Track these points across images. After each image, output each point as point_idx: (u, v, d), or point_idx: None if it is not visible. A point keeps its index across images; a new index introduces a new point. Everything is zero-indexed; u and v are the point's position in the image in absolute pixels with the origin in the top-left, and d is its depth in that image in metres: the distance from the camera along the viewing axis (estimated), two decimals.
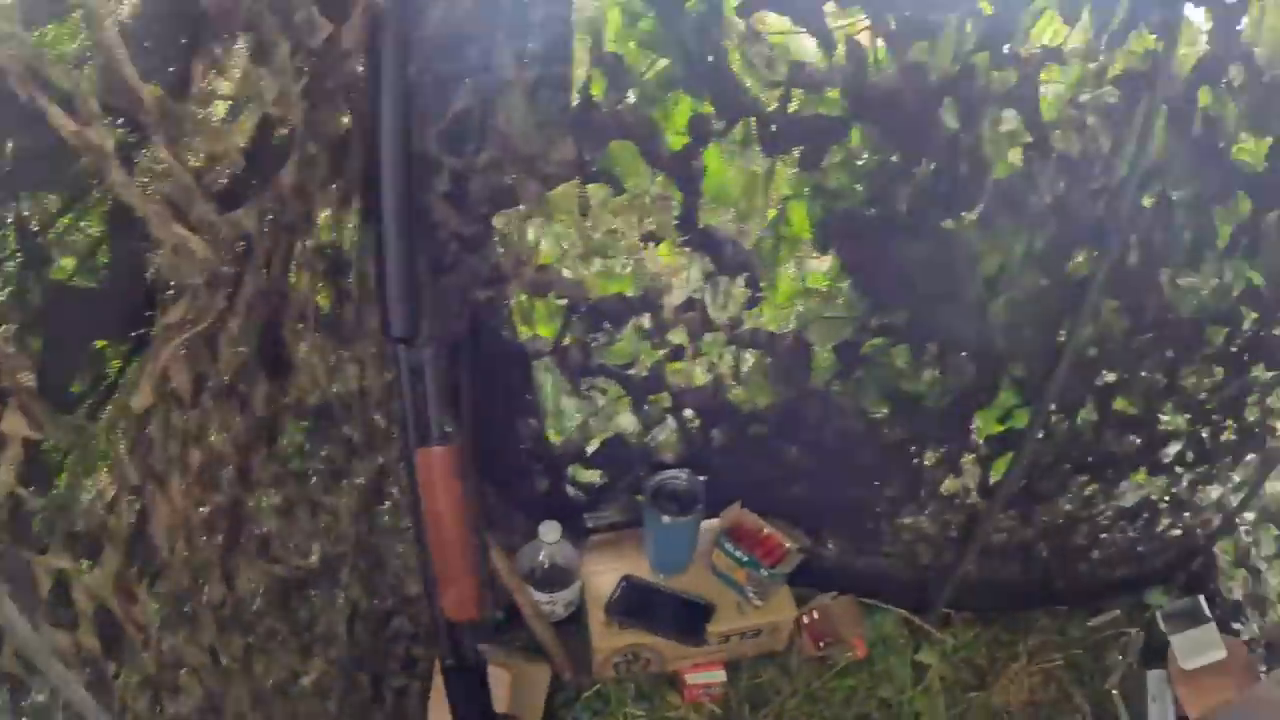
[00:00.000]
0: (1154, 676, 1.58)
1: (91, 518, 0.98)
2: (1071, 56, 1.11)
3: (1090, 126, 1.14)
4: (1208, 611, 1.59)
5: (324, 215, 1.09)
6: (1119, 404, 1.38)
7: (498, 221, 1.15)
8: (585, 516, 1.51)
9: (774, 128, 1.08)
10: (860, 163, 1.10)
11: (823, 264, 1.19)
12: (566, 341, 1.26)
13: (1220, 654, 1.58)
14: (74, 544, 0.98)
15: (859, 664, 1.55)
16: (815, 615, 1.55)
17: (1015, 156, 1.12)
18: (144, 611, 1.05)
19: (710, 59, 1.04)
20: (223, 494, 1.08)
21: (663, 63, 1.07)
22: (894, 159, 1.09)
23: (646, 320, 1.24)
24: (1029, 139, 1.10)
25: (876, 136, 1.08)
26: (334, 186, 1.08)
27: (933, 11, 1.02)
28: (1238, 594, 1.72)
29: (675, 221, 1.15)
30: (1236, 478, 1.62)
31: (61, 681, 0.97)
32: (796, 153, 1.09)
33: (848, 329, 1.21)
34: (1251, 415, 1.48)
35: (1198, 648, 1.57)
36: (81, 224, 0.87)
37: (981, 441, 1.38)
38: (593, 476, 1.44)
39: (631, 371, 1.28)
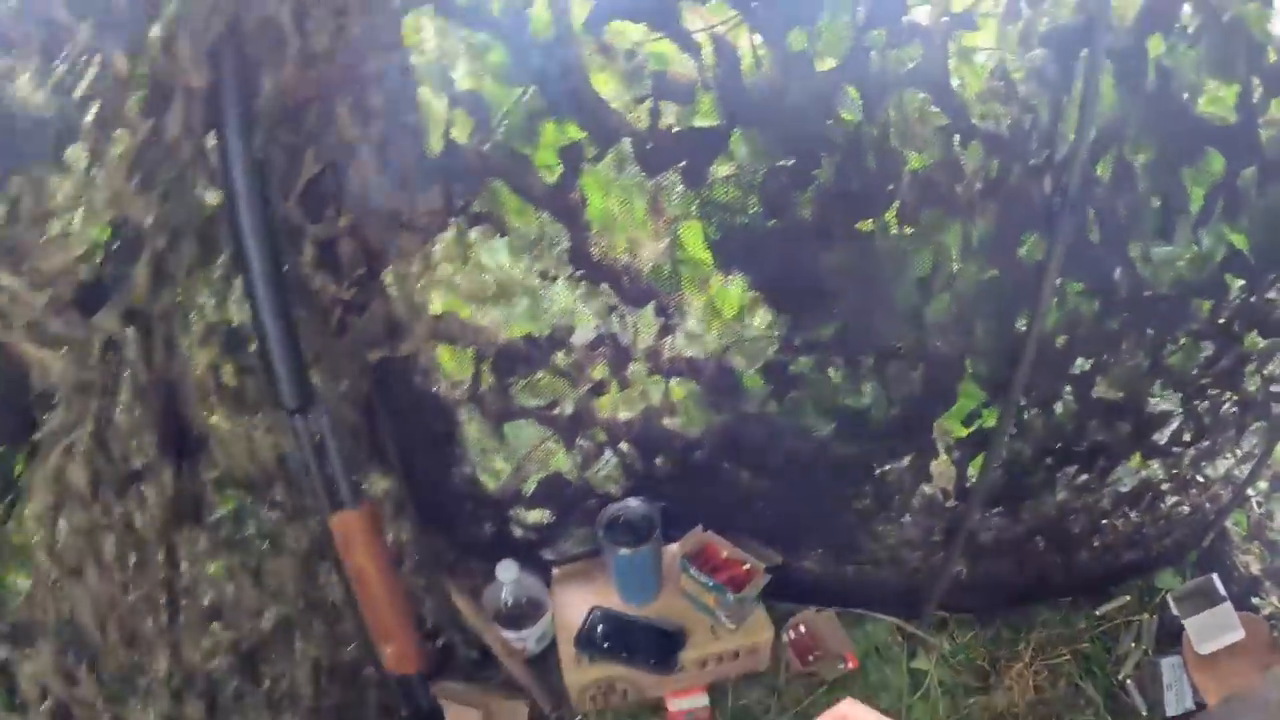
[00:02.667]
0: (1168, 664, 1.47)
1: (21, 612, 1.02)
2: (986, 19, 0.99)
3: (1022, 96, 1.02)
4: (1222, 590, 1.47)
5: (207, 292, 1.08)
6: (1100, 390, 1.25)
7: (386, 278, 1.11)
8: (545, 552, 1.48)
9: (649, 146, 1.00)
10: (749, 173, 1.00)
11: (732, 285, 1.10)
12: (483, 387, 1.22)
13: (1237, 635, 1.47)
14: (9, 637, 1.03)
15: (851, 676, 1.49)
16: (802, 630, 1.49)
17: (931, 142, 1.01)
18: (87, 691, 1.10)
19: (570, 83, 0.97)
20: (151, 575, 1.10)
21: (525, 94, 1.00)
22: (786, 164, 0.99)
23: (561, 359, 1.19)
24: (944, 121, 0.99)
25: (763, 142, 0.99)
26: (213, 266, 1.05)
27: None
28: (1254, 569, 1.57)
29: (566, 257, 1.09)
30: (1244, 448, 1.47)
31: None
32: (678, 169, 1.01)
33: (770, 349, 1.13)
34: (1252, 385, 1.33)
35: (1213, 630, 1.45)
36: None
37: (952, 444, 1.28)
38: (539, 516, 1.41)
39: (556, 410, 1.23)
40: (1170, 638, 1.52)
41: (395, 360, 1.17)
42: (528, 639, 1.44)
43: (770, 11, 0.93)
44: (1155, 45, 1.02)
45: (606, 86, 0.99)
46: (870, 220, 1.03)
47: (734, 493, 1.34)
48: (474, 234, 1.08)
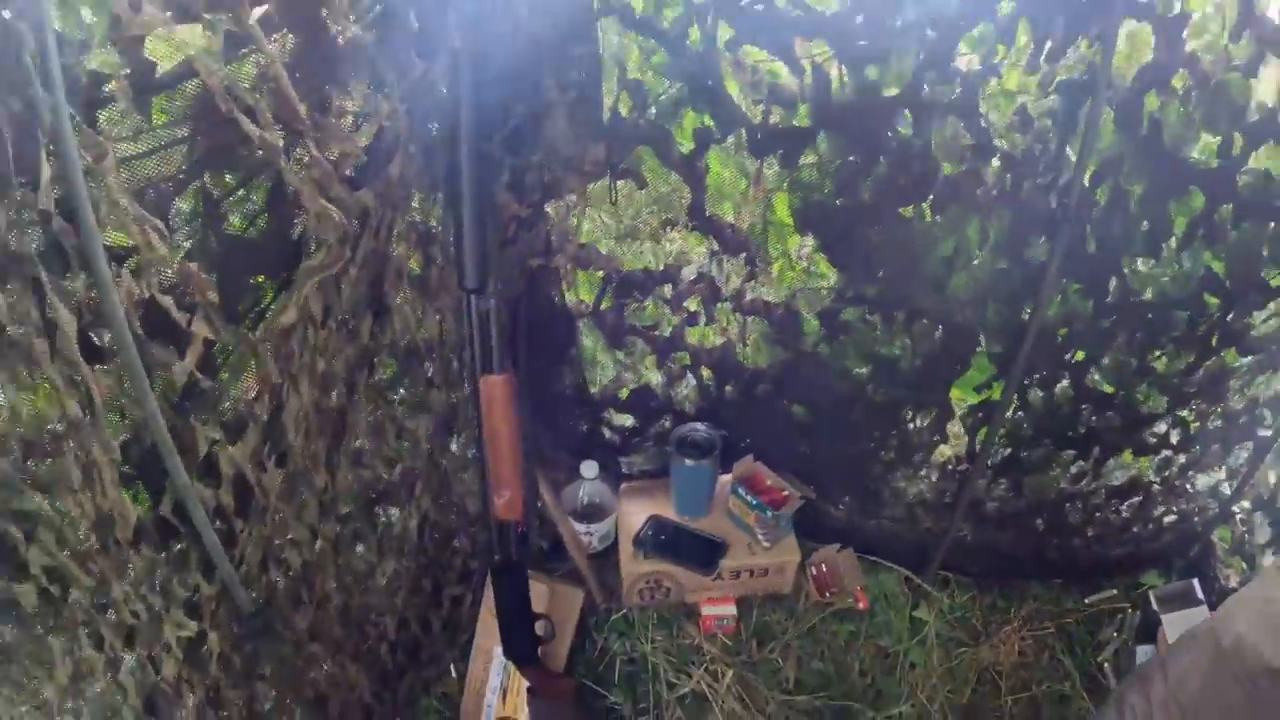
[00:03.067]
0: (1142, 651, 1.80)
1: (241, 406, 1.48)
2: (1011, 69, 1.44)
3: (1037, 129, 1.47)
4: (1200, 595, 1.79)
5: (418, 199, 1.57)
6: (1092, 381, 1.65)
7: (548, 207, 1.59)
8: (621, 461, 1.91)
9: (759, 136, 1.46)
10: (828, 163, 1.47)
11: (805, 244, 1.56)
12: (603, 306, 1.68)
13: None
14: (225, 422, 1.49)
15: (860, 614, 1.86)
16: (823, 568, 1.87)
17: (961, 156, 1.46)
18: (270, 481, 1.54)
19: (709, 83, 1.45)
20: (333, 404, 1.56)
21: (674, 87, 1.50)
22: (855, 160, 1.45)
23: (668, 290, 1.65)
24: (972, 142, 1.45)
25: (840, 142, 1.45)
26: (425, 178, 1.55)
27: (884, 40, 1.39)
28: (1234, 582, 1.90)
29: (686, 211, 1.56)
30: (1231, 465, 1.83)
31: (202, 528, 1.45)
32: (777, 155, 1.48)
33: (828, 298, 1.58)
34: (1238, 403, 1.71)
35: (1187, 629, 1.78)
36: (250, 196, 1.38)
37: (965, 412, 1.69)
38: (625, 420, 1.85)
39: (656, 332, 1.68)
40: (1148, 631, 1.84)
41: (545, 272, 1.64)
42: (594, 534, 1.85)
43: (855, 50, 1.41)
44: (1151, 100, 1.45)
45: (734, 89, 1.47)
46: (911, 207, 1.48)
47: (785, 426, 1.76)
48: (621, 184, 1.57)
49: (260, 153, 1.27)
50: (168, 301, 1.27)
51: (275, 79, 1.24)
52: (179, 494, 1.40)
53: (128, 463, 1.32)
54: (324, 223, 1.39)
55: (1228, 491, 1.88)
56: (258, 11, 1.17)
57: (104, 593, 1.35)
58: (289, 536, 1.61)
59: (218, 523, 1.46)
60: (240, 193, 1.38)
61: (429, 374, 1.71)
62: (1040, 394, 1.67)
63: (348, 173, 1.40)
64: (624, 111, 1.48)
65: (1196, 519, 1.91)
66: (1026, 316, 1.55)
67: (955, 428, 1.72)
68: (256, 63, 1.22)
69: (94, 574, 1.32)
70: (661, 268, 1.61)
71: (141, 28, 1.10)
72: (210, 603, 1.50)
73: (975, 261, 1.52)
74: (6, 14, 0.99)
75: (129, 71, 1.11)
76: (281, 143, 1.25)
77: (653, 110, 1.51)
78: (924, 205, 1.47)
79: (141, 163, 1.24)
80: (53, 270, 1.14)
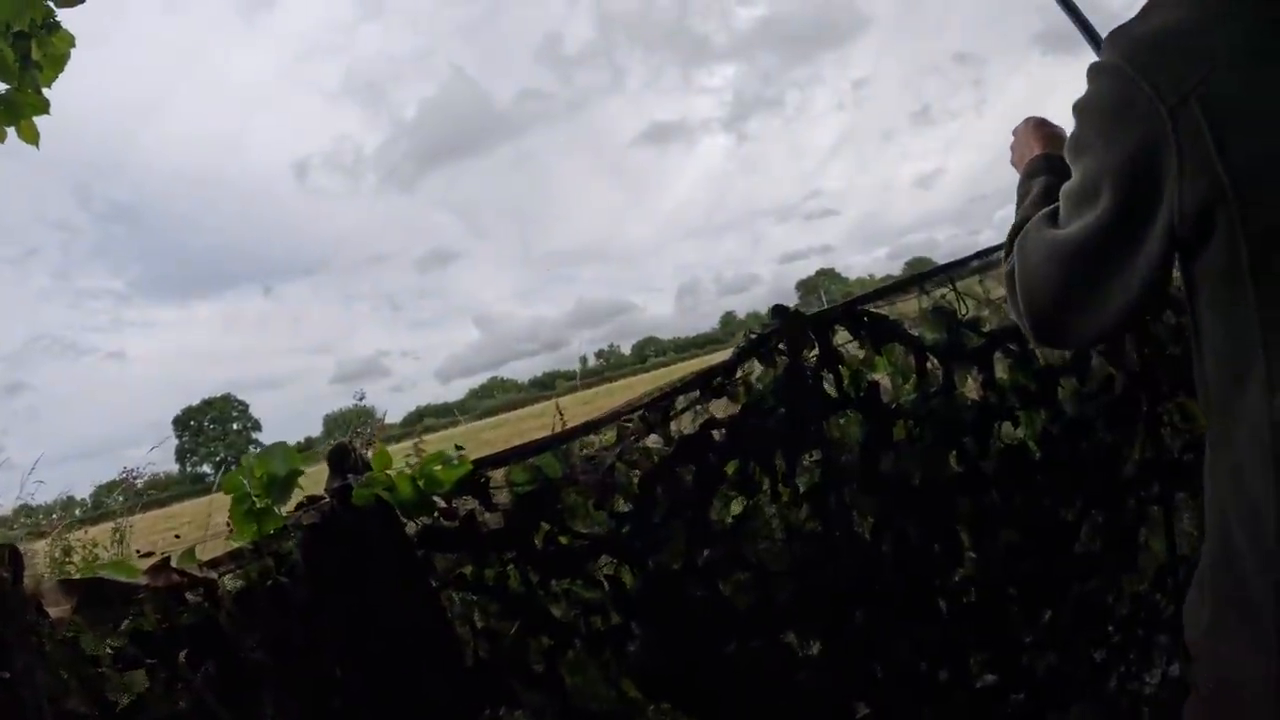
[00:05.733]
0: None
1: None
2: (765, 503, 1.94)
3: (808, 532, 1.94)
4: None
5: None
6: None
7: None
8: None
9: (591, 641, 1.93)
10: (648, 641, 1.93)
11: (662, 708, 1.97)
12: None
13: None
14: None
15: None
16: None
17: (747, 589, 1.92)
18: None
19: (539, 610, 1.94)
20: None
21: (517, 622, 1.98)
22: (667, 626, 1.91)
23: None
24: (749, 575, 1.91)
25: (650, 620, 1.92)
26: None
27: (651, 534, 1.90)
28: None
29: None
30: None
31: None
32: (609, 649, 1.94)
33: None
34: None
35: None
36: None
37: None
38: None
39: None
40: None
41: None
42: None
43: (633, 552, 1.91)
44: (885, 462, 1.96)
45: (558, 611, 1.95)
46: (733, 642, 1.92)
47: None
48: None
49: None
50: None
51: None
52: None
53: None
54: None
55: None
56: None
57: None
58: None
59: None
60: None
61: None
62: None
63: None
64: (483, 655, 1.94)
65: None
66: (880, 675, 1.93)
67: None
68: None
69: None
70: None
71: None
72: None
73: (803, 662, 1.93)
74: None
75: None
76: None
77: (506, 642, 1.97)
78: (737, 641, 1.90)
79: None
80: None
